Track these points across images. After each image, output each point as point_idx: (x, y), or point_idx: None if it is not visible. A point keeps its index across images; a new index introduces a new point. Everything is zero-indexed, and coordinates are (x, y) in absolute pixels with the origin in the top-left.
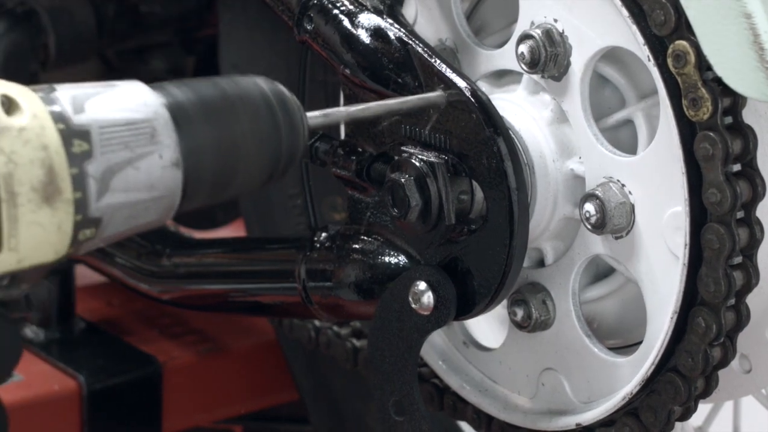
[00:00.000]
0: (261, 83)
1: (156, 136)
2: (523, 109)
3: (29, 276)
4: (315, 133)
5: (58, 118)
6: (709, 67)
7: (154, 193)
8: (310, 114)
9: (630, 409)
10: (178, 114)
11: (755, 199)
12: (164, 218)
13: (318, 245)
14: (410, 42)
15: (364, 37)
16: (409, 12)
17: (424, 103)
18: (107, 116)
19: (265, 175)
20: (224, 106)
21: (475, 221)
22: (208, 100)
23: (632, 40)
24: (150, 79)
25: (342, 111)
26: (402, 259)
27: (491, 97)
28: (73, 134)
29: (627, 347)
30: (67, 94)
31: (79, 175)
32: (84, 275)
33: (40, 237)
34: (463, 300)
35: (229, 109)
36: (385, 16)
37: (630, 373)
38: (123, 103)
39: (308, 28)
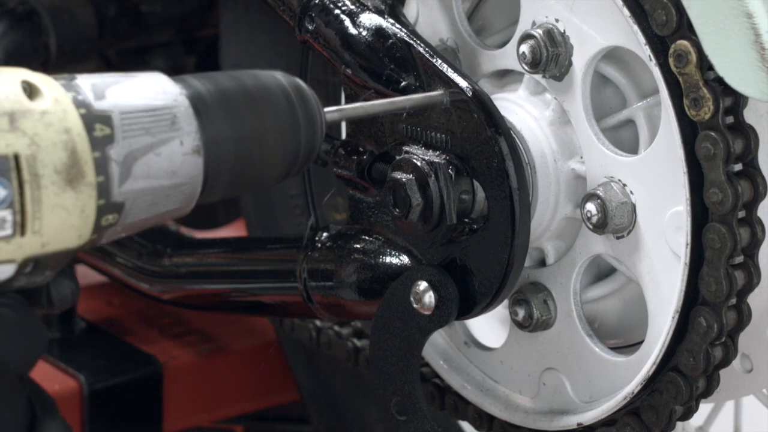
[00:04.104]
0: (280, 77)
1: (176, 122)
2: (525, 109)
3: (53, 262)
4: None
5: (80, 103)
6: (711, 67)
7: (176, 180)
8: (327, 109)
9: (631, 408)
10: (198, 103)
11: (756, 198)
12: (185, 208)
13: (319, 245)
14: (412, 42)
15: (366, 37)
16: (410, 12)
17: (431, 101)
18: (128, 102)
19: (284, 169)
20: (244, 97)
21: (477, 221)
22: (228, 92)
23: (633, 40)
24: None
25: (357, 106)
26: (403, 258)
27: (492, 97)
28: (94, 118)
29: (628, 347)
30: (87, 81)
31: (101, 158)
32: (85, 275)
33: (63, 220)
34: (465, 300)
35: (248, 100)
36: (386, 16)
37: (631, 373)
38: (143, 90)
39: (309, 28)
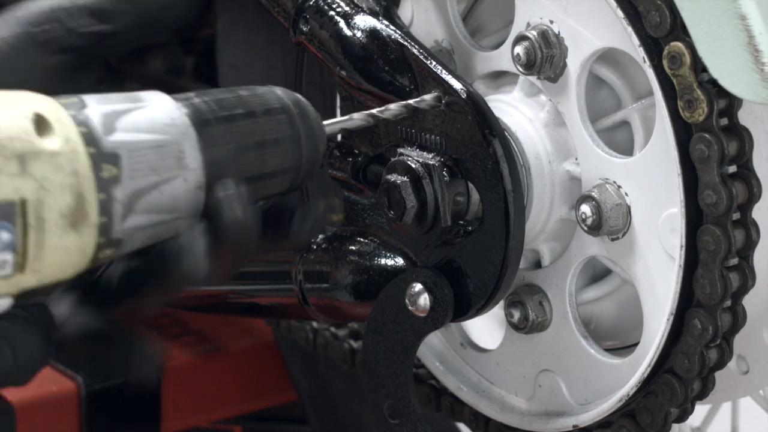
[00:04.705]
0: (281, 94)
1: (183, 159)
2: (520, 111)
3: (47, 290)
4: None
5: (90, 140)
6: (705, 69)
7: (176, 215)
8: (326, 122)
9: (627, 410)
10: (204, 132)
11: (751, 200)
12: (181, 234)
13: (315, 247)
14: (406, 43)
15: (360, 38)
16: (405, 13)
17: (424, 105)
18: (137, 138)
19: (285, 186)
20: (248, 120)
21: (471, 223)
22: (233, 116)
23: (628, 42)
24: (149, 78)
25: (356, 117)
26: (398, 260)
27: (487, 98)
28: (103, 158)
29: (624, 348)
30: (97, 112)
31: (106, 200)
32: None
33: (63, 259)
34: (460, 301)
35: (253, 125)
36: (380, 18)
37: (627, 375)
38: (152, 122)
39: (304, 29)
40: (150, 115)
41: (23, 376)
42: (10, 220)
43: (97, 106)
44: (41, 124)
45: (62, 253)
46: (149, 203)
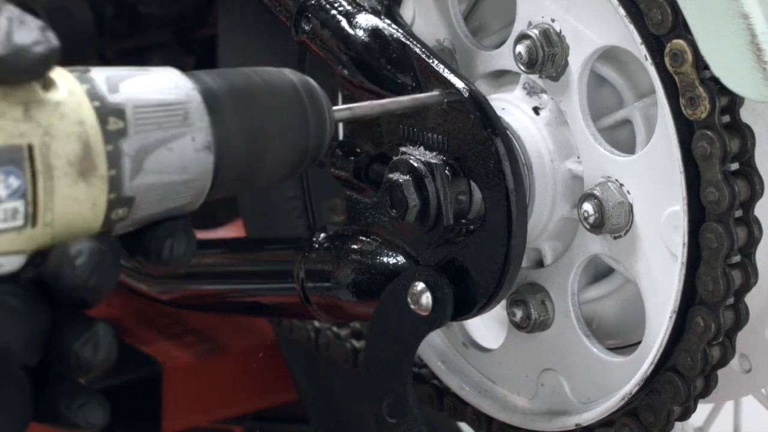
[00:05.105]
0: (290, 75)
1: (189, 118)
2: (521, 110)
3: None
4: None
5: (94, 95)
6: (707, 66)
7: (186, 176)
8: (336, 107)
9: (629, 409)
10: (210, 99)
11: (753, 197)
12: (194, 203)
13: (317, 246)
14: (408, 42)
15: (362, 37)
16: (406, 12)
17: (433, 101)
18: (141, 96)
19: (292, 166)
20: (255, 94)
21: (474, 222)
22: (239, 88)
23: (629, 40)
24: None
25: (366, 105)
26: (400, 259)
27: (489, 97)
28: (108, 112)
29: (626, 347)
30: (101, 74)
31: (114, 152)
32: None
33: (74, 213)
34: (462, 300)
35: (259, 97)
36: (382, 17)
37: (629, 373)
38: (156, 85)
39: (306, 28)
40: (154, 79)
41: (34, 354)
42: (18, 165)
43: (101, 71)
44: (44, 81)
45: (73, 205)
46: (159, 161)
